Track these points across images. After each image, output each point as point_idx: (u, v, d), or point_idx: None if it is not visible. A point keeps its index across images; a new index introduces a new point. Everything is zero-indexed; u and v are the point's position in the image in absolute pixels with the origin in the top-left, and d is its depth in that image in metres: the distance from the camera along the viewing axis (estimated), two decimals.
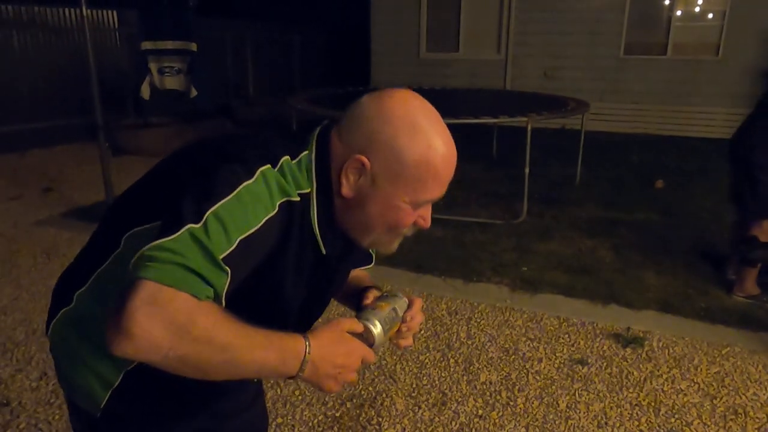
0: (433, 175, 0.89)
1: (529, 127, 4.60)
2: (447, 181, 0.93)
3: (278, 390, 2.47)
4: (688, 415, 2.32)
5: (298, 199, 0.87)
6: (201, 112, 7.84)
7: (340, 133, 0.91)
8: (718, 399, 2.43)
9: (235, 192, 0.79)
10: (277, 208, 0.83)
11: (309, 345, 0.84)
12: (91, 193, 5.29)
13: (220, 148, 0.91)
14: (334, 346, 0.88)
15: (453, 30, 9.90)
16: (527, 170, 4.63)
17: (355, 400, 2.40)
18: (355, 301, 1.12)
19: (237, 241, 0.78)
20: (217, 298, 0.77)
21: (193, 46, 4.98)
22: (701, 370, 2.63)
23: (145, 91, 4.97)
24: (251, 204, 0.80)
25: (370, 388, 2.48)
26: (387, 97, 0.90)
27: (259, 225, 0.81)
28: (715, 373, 2.61)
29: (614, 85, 9.07)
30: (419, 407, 2.37)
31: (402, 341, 1.09)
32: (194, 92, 5.03)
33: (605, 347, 2.81)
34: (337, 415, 2.33)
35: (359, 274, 1.23)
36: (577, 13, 8.96)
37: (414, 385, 2.51)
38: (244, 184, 0.80)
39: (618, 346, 2.82)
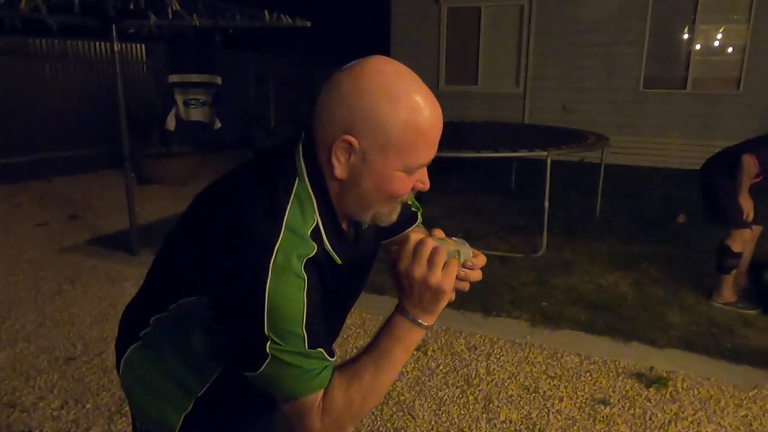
0: (421, 138, 0.88)
1: (549, 161, 4.61)
2: (436, 142, 0.91)
3: None
4: None
5: (314, 247, 0.89)
6: (223, 143, 7.99)
7: (320, 121, 0.90)
8: None
9: (266, 301, 0.83)
10: (305, 275, 0.86)
11: (402, 308, 0.94)
12: (115, 221, 5.40)
13: (228, 217, 0.89)
14: (416, 285, 0.92)
15: (472, 63, 10.03)
16: (547, 204, 4.62)
17: None
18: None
19: (304, 329, 0.86)
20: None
21: (218, 80, 5.10)
22: (728, 413, 2.56)
23: (171, 123, 5.09)
24: (284, 297, 0.84)
25: (389, 425, 2.46)
26: (358, 70, 0.87)
27: (305, 301, 0.86)
28: (742, 416, 2.54)
29: (633, 118, 9.07)
30: None
31: (459, 283, 1.02)
32: (218, 124, 5.14)
33: (628, 387, 2.76)
34: None
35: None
36: (595, 47, 9.03)
37: (433, 423, 2.48)
38: (267, 287, 0.83)
39: (641, 386, 2.76)
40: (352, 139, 0.86)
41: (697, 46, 8.70)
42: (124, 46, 8.56)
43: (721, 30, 8.67)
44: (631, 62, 8.93)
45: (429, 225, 1.16)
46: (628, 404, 2.62)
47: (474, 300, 3.71)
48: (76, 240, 4.97)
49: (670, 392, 2.71)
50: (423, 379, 2.81)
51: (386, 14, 10.46)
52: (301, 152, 0.93)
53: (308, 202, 0.90)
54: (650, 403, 2.63)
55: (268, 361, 0.85)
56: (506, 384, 2.78)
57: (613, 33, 8.89)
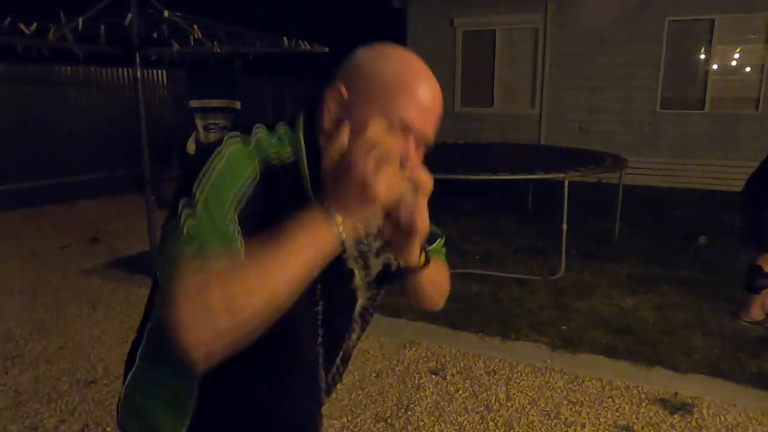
0: (406, 91, 0.86)
1: (566, 183, 4.59)
2: (425, 105, 0.88)
3: None
4: None
5: (277, 162, 0.87)
6: None
7: (332, 81, 0.92)
8: None
9: (211, 159, 0.83)
10: (257, 164, 0.85)
11: (320, 204, 0.78)
12: (135, 244, 5.46)
13: None
14: (339, 177, 0.78)
15: (487, 85, 10.08)
16: (565, 226, 4.59)
17: None
18: None
19: (234, 210, 0.80)
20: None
21: (237, 105, 5.21)
22: None
23: (191, 147, 5.19)
24: (231, 165, 0.83)
25: None
26: (379, 43, 0.92)
27: (247, 189, 0.82)
28: None
29: (651, 139, 9.02)
30: None
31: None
32: None
33: (652, 413, 2.70)
34: None
35: None
36: (611, 68, 9.03)
37: None
38: (215, 151, 0.84)
39: (665, 413, 2.70)
40: (343, 88, 0.88)
41: (715, 66, 8.67)
42: (145, 71, 8.73)
43: (738, 50, 8.64)
44: (648, 83, 8.91)
45: (446, 247, 1.16)
46: (652, 431, 2.56)
47: (492, 323, 3.69)
48: (97, 263, 5.04)
49: (696, 419, 2.65)
50: (442, 404, 2.79)
51: (402, 37, 10.59)
52: (303, 115, 0.94)
53: (288, 141, 0.90)
54: (675, 430, 2.57)
55: (178, 228, 0.78)
56: (527, 410, 2.74)
57: (630, 54, 8.90)
